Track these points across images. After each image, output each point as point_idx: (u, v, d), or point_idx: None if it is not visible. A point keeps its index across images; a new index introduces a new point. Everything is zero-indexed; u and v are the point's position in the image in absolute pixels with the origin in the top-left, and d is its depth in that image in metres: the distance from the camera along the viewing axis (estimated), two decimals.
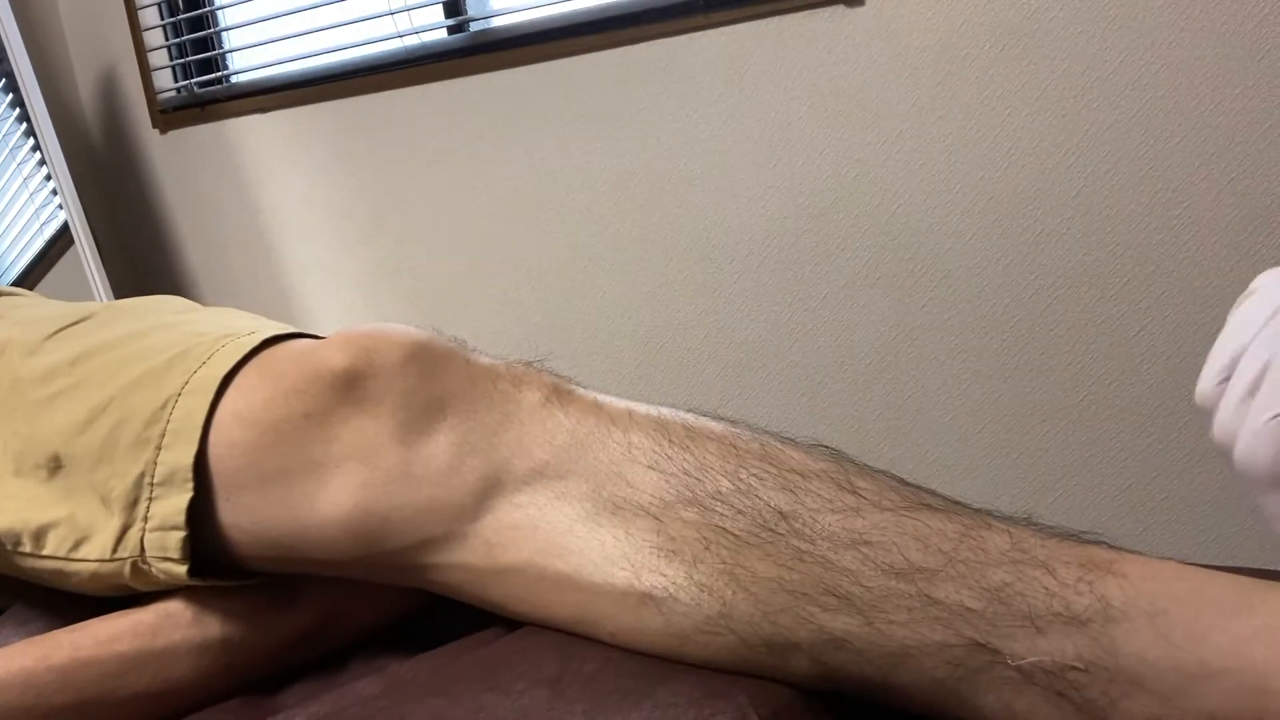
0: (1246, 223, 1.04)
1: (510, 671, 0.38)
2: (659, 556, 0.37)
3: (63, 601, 0.52)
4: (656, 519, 0.38)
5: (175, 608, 0.44)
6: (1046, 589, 0.32)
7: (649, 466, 0.39)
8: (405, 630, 0.49)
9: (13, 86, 1.54)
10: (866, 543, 0.34)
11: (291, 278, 1.72)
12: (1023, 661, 0.31)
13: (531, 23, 1.38)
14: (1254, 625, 0.30)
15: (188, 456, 0.42)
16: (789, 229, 1.27)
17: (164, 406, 0.43)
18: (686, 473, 0.38)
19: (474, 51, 1.43)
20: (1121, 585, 0.32)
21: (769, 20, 1.22)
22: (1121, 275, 1.11)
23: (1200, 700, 0.29)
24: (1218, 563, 1.23)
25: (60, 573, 0.46)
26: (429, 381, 0.42)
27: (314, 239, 1.68)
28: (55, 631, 0.44)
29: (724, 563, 0.36)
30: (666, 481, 0.38)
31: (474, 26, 1.46)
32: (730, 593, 0.35)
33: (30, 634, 0.49)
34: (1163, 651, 0.30)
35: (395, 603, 0.49)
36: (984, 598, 0.32)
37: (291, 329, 0.48)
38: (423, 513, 0.40)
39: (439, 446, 0.41)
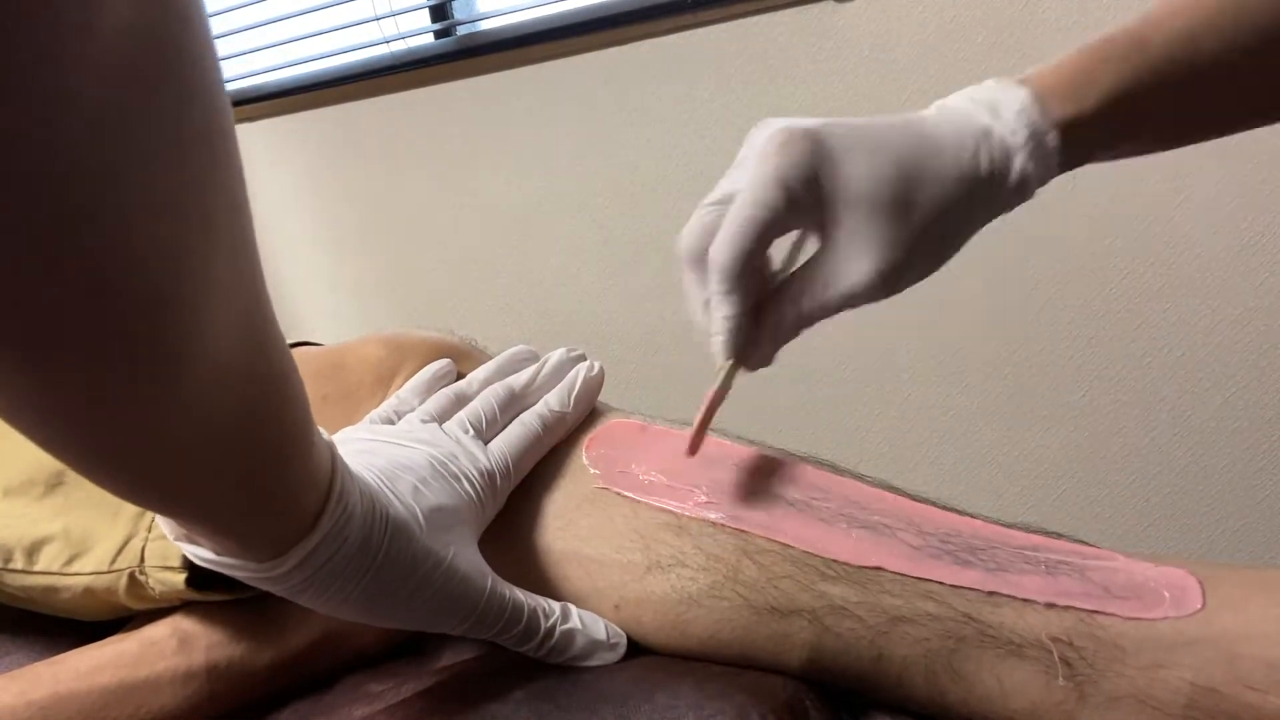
0: (1246, 213, 1.03)
1: (505, 685, 0.38)
2: (667, 530, 0.39)
3: (44, 630, 0.51)
4: (661, 498, 0.40)
5: (158, 635, 0.43)
6: (1030, 567, 0.34)
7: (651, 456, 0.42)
8: (389, 656, 0.48)
9: None
10: (862, 526, 0.37)
11: (282, 287, 1.71)
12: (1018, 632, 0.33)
13: (519, 25, 1.37)
14: (1220, 596, 0.32)
15: None
16: None
17: None
18: (688, 464, 0.41)
19: (461, 55, 1.42)
20: (1099, 566, 0.34)
21: (758, 18, 1.21)
22: (1120, 269, 1.10)
23: (1179, 669, 0.31)
24: (1222, 558, 1.22)
25: (51, 589, 0.45)
26: (448, 349, 0.47)
27: (304, 248, 1.67)
28: (34, 665, 0.43)
29: (729, 536, 0.38)
30: (669, 468, 0.41)
31: (461, 30, 1.44)
32: (737, 560, 0.37)
33: (9, 665, 0.48)
34: (1146, 626, 0.32)
35: (384, 628, 0.48)
36: (972, 574, 0.35)
37: (293, 340, 0.49)
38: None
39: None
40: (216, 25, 1.69)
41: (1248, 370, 1.08)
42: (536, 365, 0.46)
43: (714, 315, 0.36)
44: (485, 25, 1.43)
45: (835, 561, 0.36)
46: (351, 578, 0.32)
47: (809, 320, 0.37)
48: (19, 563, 0.45)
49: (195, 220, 0.20)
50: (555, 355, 0.47)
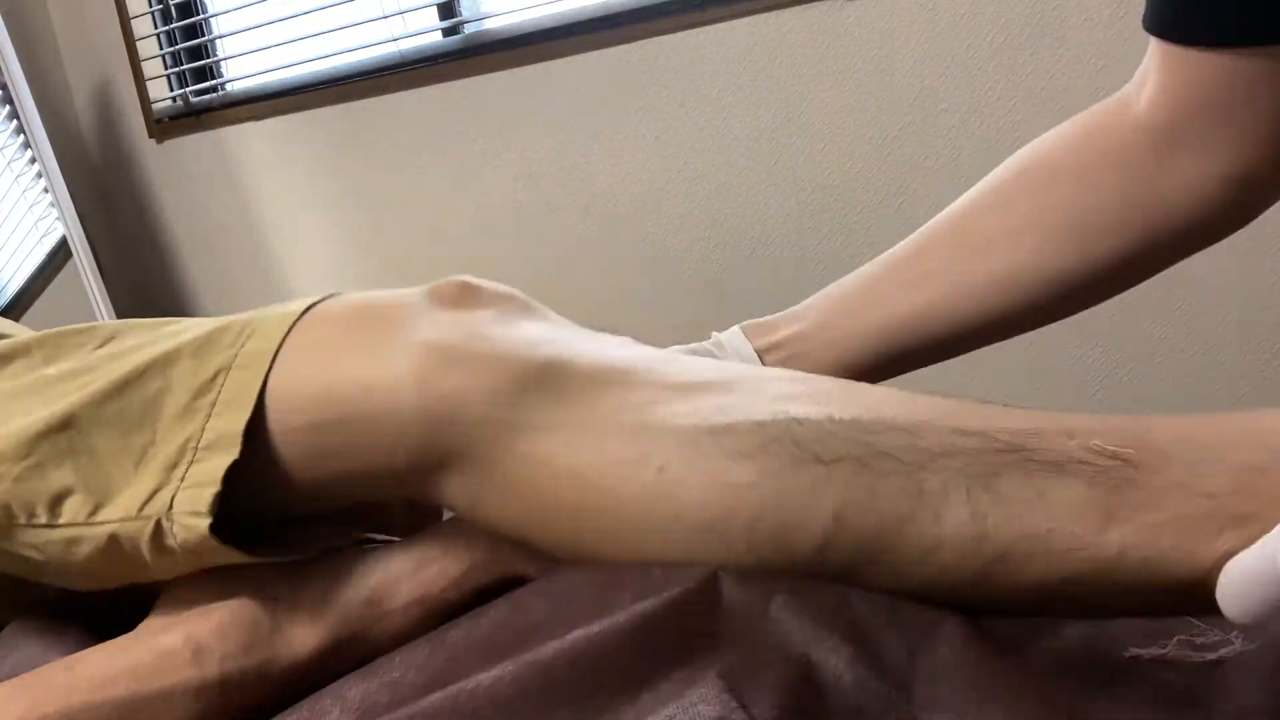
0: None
1: (498, 664, 0.38)
2: (722, 415, 0.40)
3: (56, 624, 0.51)
4: (722, 393, 0.41)
5: (172, 646, 0.43)
6: (1089, 417, 0.35)
7: (711, 372, 0.43)
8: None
9: (7, 99, 1.53)
10: (914, 403, 0.38)
11: (291, 284, 1.72)
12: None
13: (526, 23, 1.37)
14: (1263, 411, 0.34)
15: (238, 423, 0.43)
16: (791, 226, 1.26)
17: (214, 379, 0.44)
18: (740, 372, 0.43)
19: (469, 54, 1.42)
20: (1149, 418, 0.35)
21: (766, 15, 1.21)
22: None
23: (1224, 464, 0.32)
24: None
25: (74, 541, 0.45)
26: (524, 309, 0.48)
27: (313, 245, 1.67)
28: (47, 669, 0.42)
29: (782, 405, 0.39)
30: (726, 376, 0.43)
31: (468, 28, 1.45)
32: (787, 424, 0.38)
33: (18, 660, 0.48)
34: (1187, 433, 0.33)
35: (401, 628, 0.48)
36: (1023, 419, 0.36)
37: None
38: (491, 363, 0.43)
39: (522, 330, 0.45)
40: (225, 24, 1.70)
41: (1259, 370, 1.07)
42: None
43: None
44: (492, 24, 1.43)
45: (883, 419, 0.37)
46: None
47: None
48: (42, 517, 0.45)
49: None
50: None
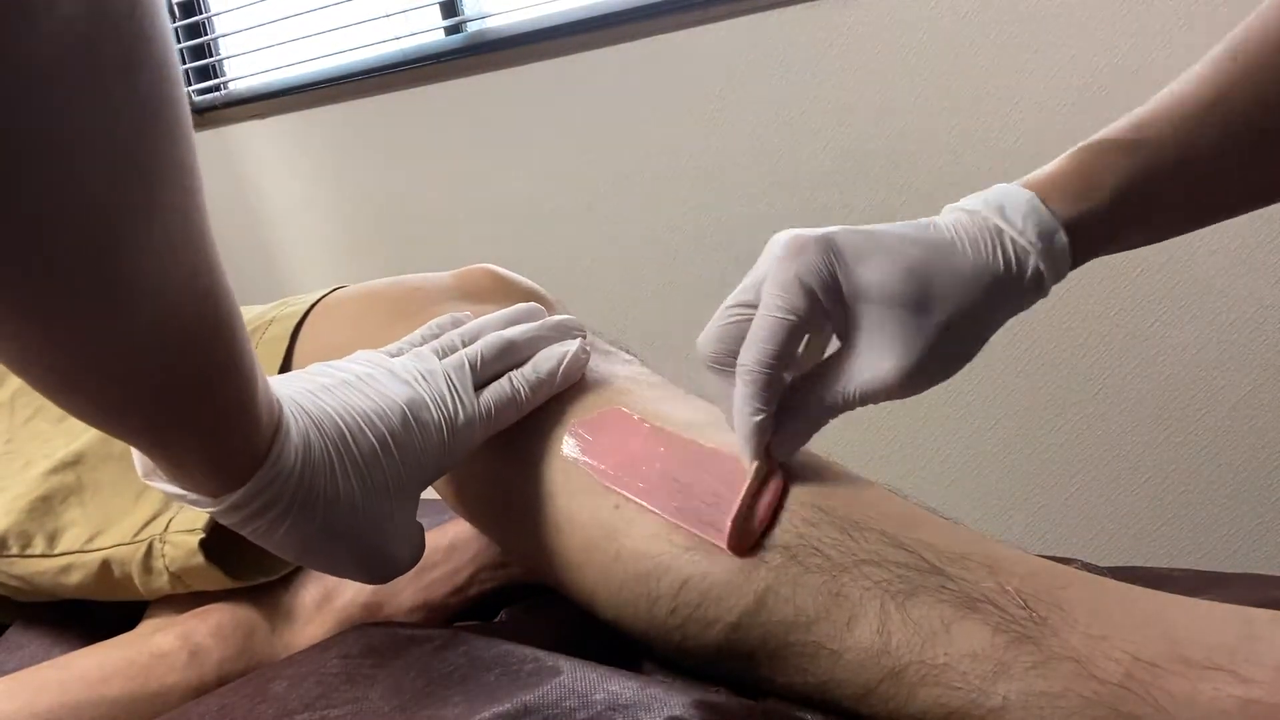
0: (1261, 210, 1.02)
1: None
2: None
3: (55, 622, 0.51)
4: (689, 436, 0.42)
5: (168, 647, 0.43)
6: (1014, 553, 0.36)
7: (684, 410, 0.44)
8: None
9: None
10: (860, 495, 0.39)
11: (294, 283, 1.72)
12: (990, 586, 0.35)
13: (529, 21, 1.37)
14: (1175, 598, 0.34)
15: None
16: (793, 225, 1.25)
17: None
18: (709, 416, 0.44)
19: (471, 52, 1.42)
20: (1070, 573, 0.36)
21: (769, 13, 1.20)
22: (1135, 265, 1.09)
23: (1125, 642, 0.32)
24: (1237, 558, 1.20)
25: (67, 569, 0.45)
26: (539, 300, 0.50)
27: (316, 244, 1.67)
28: (41, 668, 0.42)
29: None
30: (695, 418, 0.43)
31: (471, 27, 1.45)
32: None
33: (24, 660, 0.49)
34: (1099, 600, 0.34)
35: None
36: (953, 540, 0.36)
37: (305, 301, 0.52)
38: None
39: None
40: (227, 23, 1.70)
41: (1262, 369, 1.07)
42: (539, 324, 0.45)
43: (744, 419, 0.38)
44: (494, 23, 1.43)
45: (824, 509, 0.37)
46: (284, 528, 0.34)
47: (831, 414, 0.39)
48: (39, 548, 0.45)
49: (137, 175, 0.22)
50: (556, 319, 0.46)
